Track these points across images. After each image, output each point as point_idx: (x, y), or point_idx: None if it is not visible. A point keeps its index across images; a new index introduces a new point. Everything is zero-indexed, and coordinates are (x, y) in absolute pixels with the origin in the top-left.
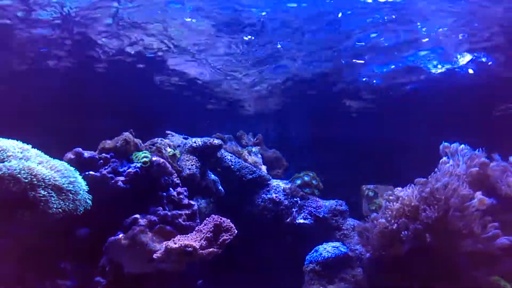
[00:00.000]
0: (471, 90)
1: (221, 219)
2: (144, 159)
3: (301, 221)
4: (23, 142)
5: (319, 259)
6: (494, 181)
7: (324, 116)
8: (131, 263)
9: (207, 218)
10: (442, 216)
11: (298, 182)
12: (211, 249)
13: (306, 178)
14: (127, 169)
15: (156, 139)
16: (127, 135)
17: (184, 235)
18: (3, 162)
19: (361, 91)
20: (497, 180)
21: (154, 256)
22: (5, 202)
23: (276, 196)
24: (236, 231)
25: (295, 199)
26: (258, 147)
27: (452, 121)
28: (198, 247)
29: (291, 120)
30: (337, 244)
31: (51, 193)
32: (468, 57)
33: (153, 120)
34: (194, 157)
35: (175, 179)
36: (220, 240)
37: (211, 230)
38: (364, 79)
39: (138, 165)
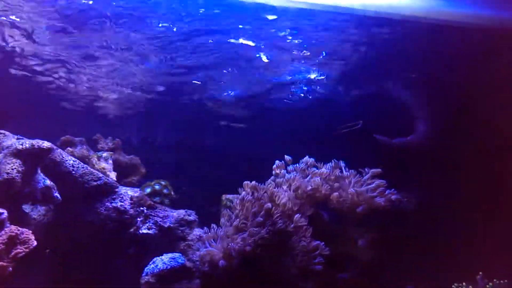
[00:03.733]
0: (316, 106)
1: (18, 230)
2: None
3: (145, 231)
4: None
5: (155, 270)
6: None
7: (190, 124)
8: None
9: (5, 229)
10: None
11: (148, 190)
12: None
13: (156, 187)
14: None
15: None
16: None
17: None
18: None
19: (221, 103)
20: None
21: None
22: None
23: (121, 205)
24: (35, 243)
25: (141, 208)
26: (111, 152)
27: (299, 135)
28: None
29: (156, 125)
30: (176, 255)
31: None
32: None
33: None
34: (18, 161)
35: None
36: (12, 254)
37: (4, 242)
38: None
39: None
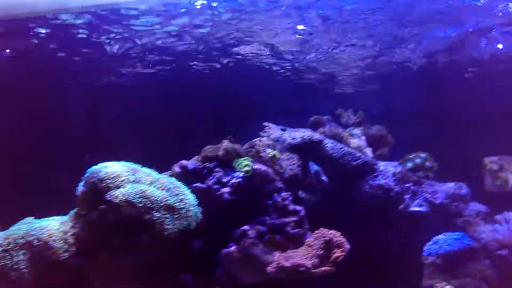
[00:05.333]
0: None
1: (331, 233)
2: (246, 168)
3: (416, 208)
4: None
5: (440, 251)
6: None
7: (432, 83)
8: (245, 274)
9: (316, 232)
10: None
11: (409, 165)
12: (324, 268)
13: (417, 161)
14: (231, 179)
15: (254, 140)
16: (227, 143)
17: (294, 250)
18: (119, 188)
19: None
20: None
21: (267, 270)
22: (123, 227)
23: (385, 182)
24: (349, 246)
25: (407, 184)
26: (360, 127)
27: None
28: (310, 267)
29: (393, 90)
30: (459, 235)
31: (165, 214)
32: None
33: (246, 110)
34: (295, 156)
35: (278, 184)
36: (332, 258)
37: (322, 247)
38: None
39: (241, 174)
